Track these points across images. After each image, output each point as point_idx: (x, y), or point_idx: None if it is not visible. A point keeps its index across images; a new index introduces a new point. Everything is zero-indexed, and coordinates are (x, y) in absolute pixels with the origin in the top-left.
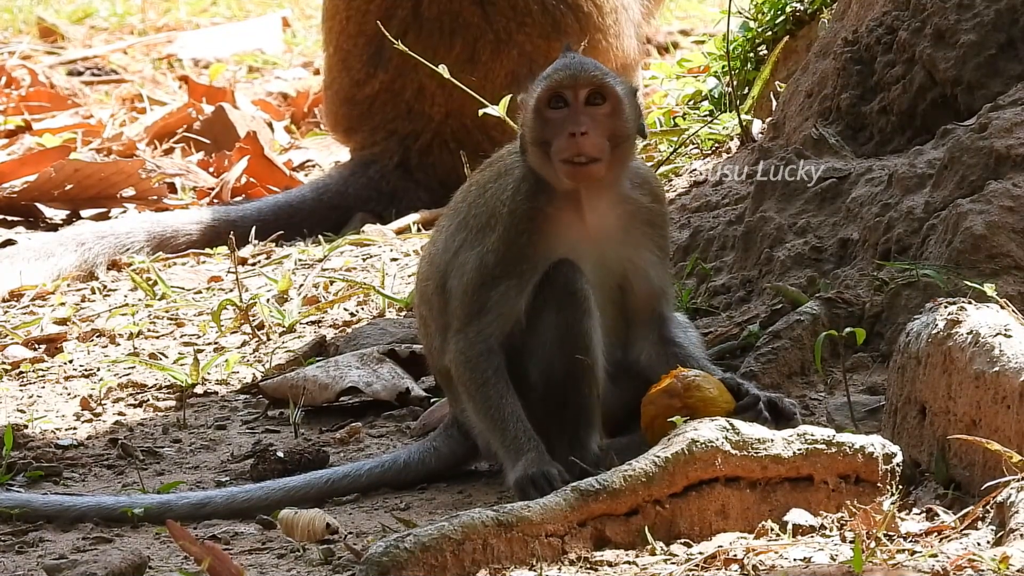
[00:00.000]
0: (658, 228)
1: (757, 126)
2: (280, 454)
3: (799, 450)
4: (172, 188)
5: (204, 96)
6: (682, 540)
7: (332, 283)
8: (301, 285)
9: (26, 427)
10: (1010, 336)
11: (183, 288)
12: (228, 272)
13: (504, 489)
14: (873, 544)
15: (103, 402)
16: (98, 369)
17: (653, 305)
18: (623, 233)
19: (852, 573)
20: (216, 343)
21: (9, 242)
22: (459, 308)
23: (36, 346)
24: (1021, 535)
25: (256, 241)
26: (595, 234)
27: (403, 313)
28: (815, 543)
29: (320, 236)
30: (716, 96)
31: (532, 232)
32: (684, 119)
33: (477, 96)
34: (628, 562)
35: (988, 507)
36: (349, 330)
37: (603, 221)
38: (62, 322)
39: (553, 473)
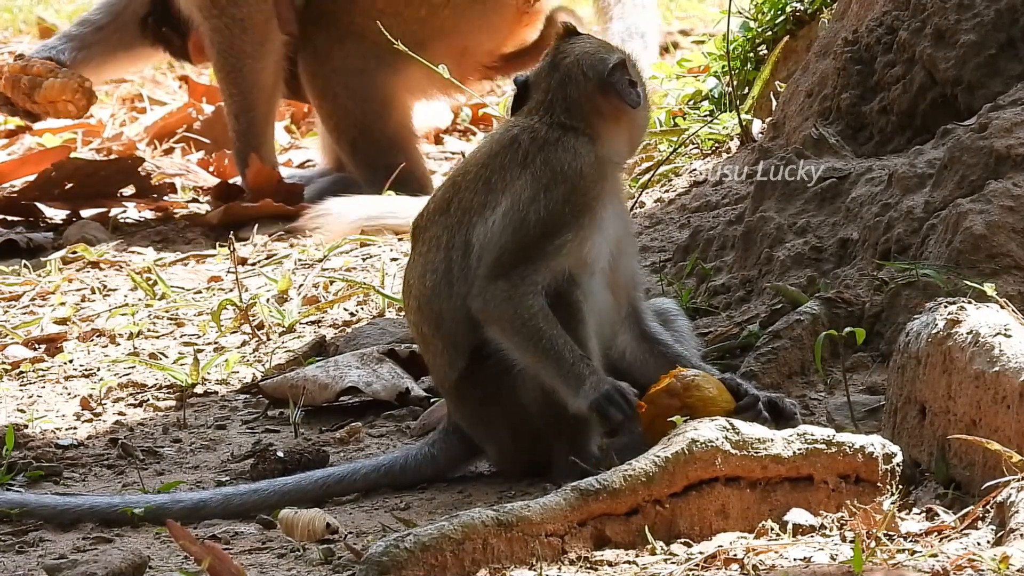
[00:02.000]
0: (624, 200)
1: (757, 126)
2: (280, 454)
3: (799, 450)
4: (172, 188)
5: (204, 96)
6: (682, 540)
7: (332, 283)
8: (301, 285)
9: (26, 427)
10: (1010, 336)
11: (183, 288)
12: (228, 272)
13: (504, 489)
14: (873, 544)
15: (103, 402)
16: (98, 369)
17: (629, 291)
18: (618, 205)
19: (852, 573)
20: (216, 343)
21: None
22: (505, 255)
23: (36, 346)
24: (1021, 535)
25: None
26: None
27: (403, 313)
28: (815, 543)
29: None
30: (716, 96)
31: (594, 189)
32: (684, 119)
33: (478, 97)
34: (628, 562)
35: (988, 507)
36: (349, 330)
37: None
38: (62, 322)
39: (623, 386)
